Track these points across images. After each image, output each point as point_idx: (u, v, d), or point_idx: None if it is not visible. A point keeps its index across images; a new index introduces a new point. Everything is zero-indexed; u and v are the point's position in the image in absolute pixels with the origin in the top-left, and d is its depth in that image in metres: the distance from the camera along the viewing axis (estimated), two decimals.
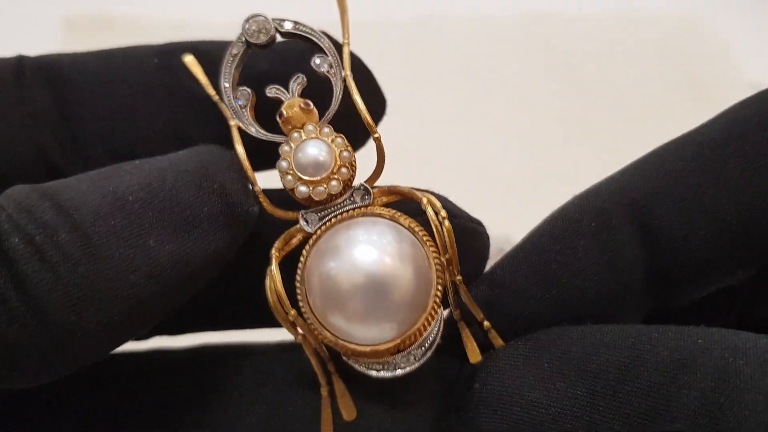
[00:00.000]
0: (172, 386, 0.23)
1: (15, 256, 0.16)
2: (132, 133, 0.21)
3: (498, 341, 0.20)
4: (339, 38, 0.22)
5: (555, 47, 0.71)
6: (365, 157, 0.22)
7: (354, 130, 0.21)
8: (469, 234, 0.21)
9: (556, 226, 0.20)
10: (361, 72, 0.21)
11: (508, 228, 0.57)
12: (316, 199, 0.20)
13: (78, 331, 0.16)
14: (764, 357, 0.16)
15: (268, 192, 0.21)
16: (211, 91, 0.21)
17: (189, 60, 0.21)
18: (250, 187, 0.20)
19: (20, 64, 0.21)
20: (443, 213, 0.20)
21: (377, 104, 0.21)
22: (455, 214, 0.21)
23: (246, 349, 0.24)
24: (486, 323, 0.20)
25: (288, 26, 0.21)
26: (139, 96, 0.21)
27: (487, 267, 0.23)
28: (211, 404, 0.22)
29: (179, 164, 0.18)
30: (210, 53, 0.21)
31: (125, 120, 0.21)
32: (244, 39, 0.21)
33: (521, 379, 0.19)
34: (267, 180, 0.22)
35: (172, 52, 0.21)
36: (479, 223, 0.22)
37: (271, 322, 0.22)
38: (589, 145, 0.63)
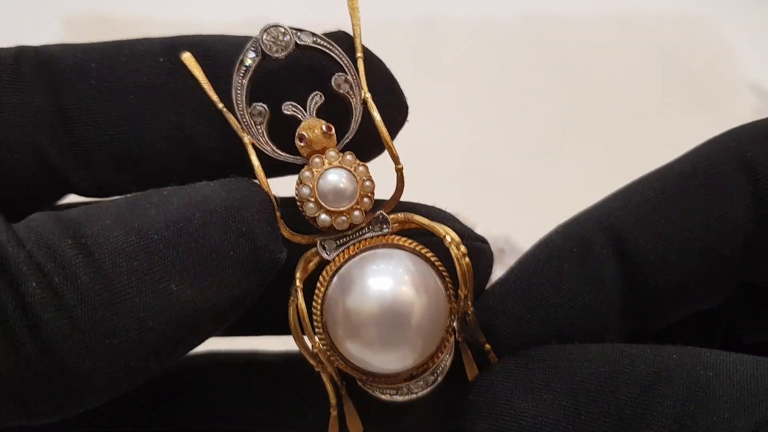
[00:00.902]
0: (180, 396, 0.23)
1: (32, 301, 0.15)
2: (135, 139, 0.20)
3: (494, 359, 0.22)
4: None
5: (556, 48, 0.71)
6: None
7: (369, 145, 0.21)
8: (475, 253, 0.22)
9: (542, 252, 0.22)
10: (380, 75, 0.21)
11: (508, 228, 0.57)
12: (338, 228, 0.20)
13: (91, 377, 0.16)
14: (732, 370, 0.18)
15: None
16: (212, 95, 0.20)
17: (187, 58, 0.20)
18: (278, 229, 0.19)
19: (18, 58, 0.20)
20: (463, 249, 0.20)
21: (398, 111, 0.21)
22: (463, 234, 0.21)
23: (256, 359, 0.24)
24: (487, 346, 0.22)
25: (306, 39, 0.20)
26: (144, 101, 0.20)
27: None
28: (221, 416, 0.22)
29: (207, 201, 0.18)
30: (218, 52, 0.20)
31: (127, 126, 0.20)
32: (259, 49, 0.20)
33: (512, 391, 0.20)
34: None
35: (177, 48, 0.20)
36: (484, 241, 0.22)
37: (279, 331, 0.22)
38: (589, 145, 0.63)
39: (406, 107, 0.22)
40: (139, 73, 0.20)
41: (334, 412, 0.21)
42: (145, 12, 0.71)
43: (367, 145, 0.21)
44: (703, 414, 0.17)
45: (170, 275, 0.17)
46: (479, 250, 0.22)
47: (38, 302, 0.15)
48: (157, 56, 0.20)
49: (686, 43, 0.72)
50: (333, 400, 0.21)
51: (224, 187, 0.18)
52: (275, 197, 0.20)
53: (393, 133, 0.21)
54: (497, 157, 0.62)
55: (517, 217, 0.56)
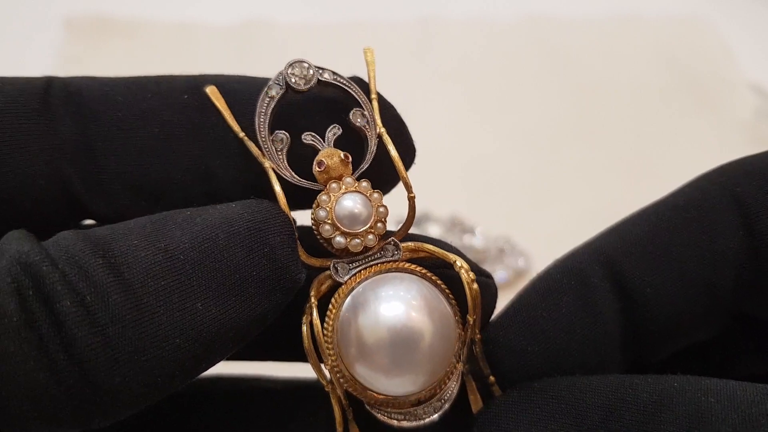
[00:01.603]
0: (185, 421, 0.23)
1: (66, 319, 0.16)
2: (157, 172, 0.21)
3: (498, 392, 0.22)
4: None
5: (556, 49, 0.71)
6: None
7: (382, 177, 0.22)
8: (481, 287, 0.22)
9: (541, 285, 0.22)
10: (392, 120, 0.22)
11: (508, 228, 0.57)
12: (352, 250, 0.21)
13: (120, 392, 0.16)
14: (732, 395, 0.18)
15: None
16: (234, 125, 0.21)
17: (211, 91, 0.21)
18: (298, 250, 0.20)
19: (47, 89, 0.21)
20: (472, 275, 0.21)
21: (406, 153, 0.22)
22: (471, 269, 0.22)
23: (260, 385, 0.24)
24: (491, 377, 0.22)
25: (326, 76, 0.21)
26: (167, 135, 0.21)
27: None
28: None
29: (231, 223, 0.18)
30: (239, 91, 0.21)
31: (150, 160, 0.21)
32: (283, 82, 0.21)
33: (516, 423, 0.20)
34: None
35: (200, 86, 0.21)
36: (489, 276, 0.23)
37: (287, 356, 0.22)
38: (589, 146, 0.63)
39: (414, 150, 0.23)
40: (164, 108, 0.21)
41: None
42: (144, 13, 0.71)
43: (380, 178, 0.21)
44: None
45: (196, 294, 0.17)
46: (485, 284, 0.22)
47: (72, 320, 0.16)
48: (181, 93, 0.21)
49: (687, 44, 0.72)
50: (339, 427, 0.22)
51: (246, 209, 0.19)
52: (294, 219, 0.20)
53: None
54: (497, 157, 0.62)
55: (517, 217, 0.57)
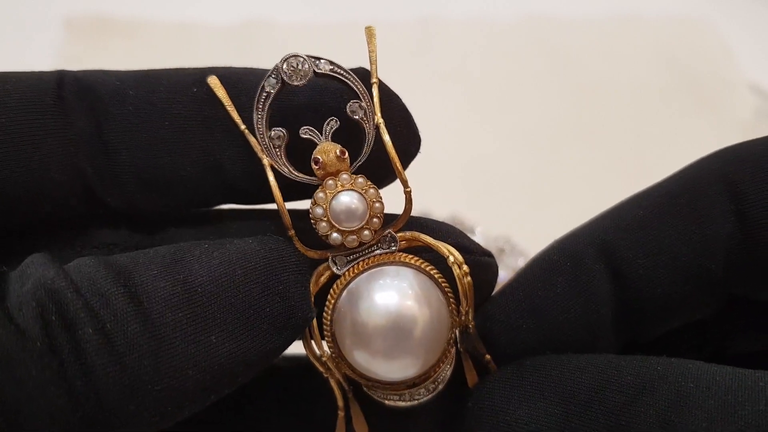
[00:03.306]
0: None
1: (87, 346, 0.16)
2: (168, 164, 0.21)
3: (494, 368, 0.23)
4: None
5: (556, 49, 0.71)
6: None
7: (382, 169, 0.22)
8: (481, 268, 0.23)
9: (538, 266, 0.23)
10: (396, 110, 0.22)
11: (508, 228, 0.57)
12: (348, 246, 0.21)
13: (132, 420, 0.17)
14: (711, 381, 0.19)
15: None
16: (235, 116, 0.21)
17: (213, 81, 0.21)
18: (306, 286, 0.21)
19: (60, 84, 0.21)
20: (465, 268, 0.22)
21: (411, 143, 0.22)
22: (470, 249, 0.23)
23: (271, 365, 0.25)
24: (487, 356, 0.23)
25: (324, 67, 0.21)
26: (176, 128, 0.21)
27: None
28: (237, 419, 0.23)
29: (248, 259, 0.19)
30: (247, 82, 0.21)
31: (160, 152, 0.21)
32: (279, 77, 0.21)
33: (508, 399, 0.21)
34: None
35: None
36: (490, 255, 0.24)
37: None
38: (589, 145, 0.63)
39: (419, 139, 0.23)
40: (174, 102, 0.21)
41: (341, 413, 0.23)
42: (145, 13, 0.71)
43: (380, 170, 0.22)
44: (683, 423, 0.18)
45: (211, 328, 0.18)
46: (485, 264, 0.23)
47: (93, 348, 0.16)
48: (190, 87, 0.21)
49: (687, 44, 0.72)
50: (340, 403, 0.23)
51: (263, 246, 0.19)
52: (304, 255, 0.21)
53: (405, 163, 0.22)
54: (497, 157, 0.62)
55: (517, 217, 0.57)
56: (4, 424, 0.15)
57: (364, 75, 0.22)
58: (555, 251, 0.23)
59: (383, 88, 0.22)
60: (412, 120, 0.22)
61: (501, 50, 0.71)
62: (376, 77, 0.21)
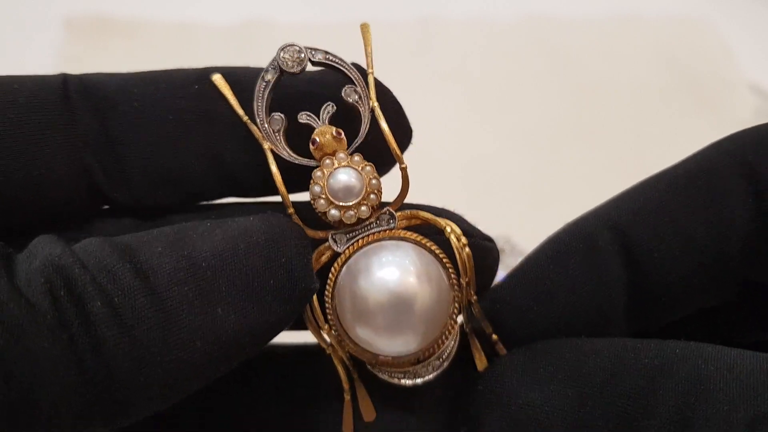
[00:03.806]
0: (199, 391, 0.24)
1: (95, 319, 0.16)
2: (173, 158, 0.22)
3: (502, 350, 0.23)
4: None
5: (556, 49, 0.71)
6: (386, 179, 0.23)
7: (380, 155, 0.22)
8: (482, 251, 0.23)
9: (550, 248, 0.23)
10: (389, 103, 0.22)
11: (508, 228, 0.57)
12: (346, 222, 0.22)
13: (142, 392, 0.17)
14: (732, 364, 0.18)
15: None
16: (239, 110, 0.22)
17: (217, 79, 0.22)
18: (311, 260, 0.21)
19: (65, 84, 0.21)
20: (464, 240, 0.22)
21: (403, 134, 0.23)
22: (470, 233, 0.23)
23: (270, 352, 0.25)
24: (494, 336, 0.23)
25: (319, 56, 0.22)
26: (180, 123, 0.22)
27: None
28: (236, 406, 0.23)
29: (250, 234, 0.19)
30: (247, 80, 0.22)
31: (165, 147, 0.22)
32: (277, 66, 0.22)
33: (519, 382, 0.21)
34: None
35: (209, 77, 0.22)
36: (491, 240, 0.23)
37: (295, 327, 0.23)
38: (590, 146, 0.63)
39: (411, 131, 0.23)
40: (176, 98, 0.22)
41: (347, 397, 0.23)
42: (145, 13, 0.71)
43: (378, 159, 0.22)
44: (703, 406, 0.18)
45: (216, 300, 0.18)
46: (486, 248, 0.23)
47: (102, 321, 0.16)
48: (192, 84, 0.22)
49: (687, 44, 0.72)
50: (346, 385, 0.23)
51: (264, 222, 0.20)
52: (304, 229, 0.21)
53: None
54: (497, 157, 0.62)
55: (517, 217, 0.57)
56: (17, 398, 0.15)
57: (360, 68, 0.22)
58: (567, 233, 0.23)
59: (376, 82, 0.22)
60: (404, 113, 0.23)
61: (501, 50, 0.71)
62: (372, 68, 0.22)
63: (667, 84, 0.68)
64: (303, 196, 0.23)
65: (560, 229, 0.23)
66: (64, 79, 0.22)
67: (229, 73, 0.22)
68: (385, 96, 0.22)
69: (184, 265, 0.18)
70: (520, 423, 0.20)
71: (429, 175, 0.38)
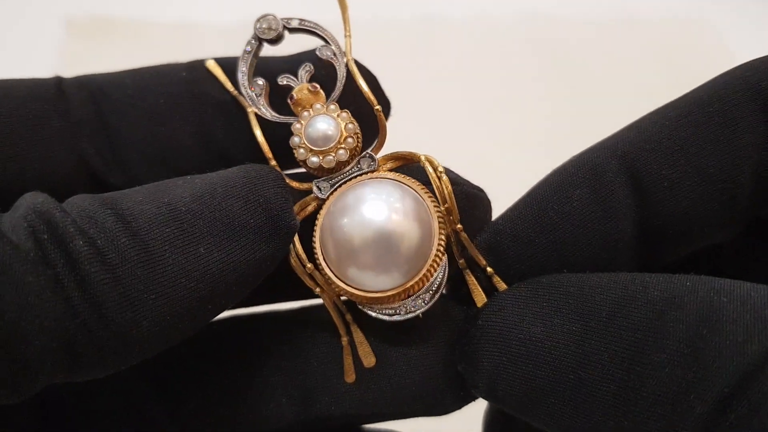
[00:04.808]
0: (202, 356, 0.24)
1: (79, 257, 0.17)
2: (165, 139, 0.23)
3: (501, 285, 0.22)
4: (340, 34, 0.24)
5: (555, 49, 0.71)
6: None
7: (369, 120, 0.23)
8: (471, 199, 0.22)
9: (554, 178, 0.22)
10: (366, 76, 0.23)
11: None
12: (326, 167, 0.22)
13: (133, 328, 0.17)
14: (746, 296, 0.17)
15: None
16: (230, 86, 0.23)
17: (210, 63, 0.24)
18: (290, 199, 0.21)
19: (59, 81, 0.23)
20: (440, 168, 0.22)
21: (382, 107, 0.23)
22: (457, 181, 0.22)
23: (265, 313, 0.25)
24: (489, 269, 0.22)
25: (294, 23, 0.24)
26: (171, 105, 0.23)
27: None
28: (240, 367, 0.23)
29: (228, 179, 0.20)
30: (231, 65, 0.24)
31: (159, 127, 0.23)
32: (256, 36, 0.24)
33: (521, 316, 0.20)
34: None
35: (198, 66, 0.24)
36: (480, 190, 0.23)
37: (296, 295, 0.24)
38: (589, 145, 0.63)
39: (389, 104, 0.24)
40: (167, 83, 0.23)
41: (344, 342, 0.23)
42: (145, 13, 0.71)
43: (357, 110, 0.23)
44: (715, 337, 0.17)
45: (198, 240, 0.18)
46: (476, 197, 0.23)
47: (85, 259, 0.17)
48: (180, 71, 0.24)
49: (687, 45, 0.72)
50: (341, 329, 0.23)
51: (242, 169, 0.20)
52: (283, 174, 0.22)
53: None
54: (497, 157, 0.62)
55: None
56: (5, 332, 0.16)
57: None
58: (572, 164, 0.22)
59: (354, 61, 0.23)
60: (380, 86, 0.23)
61: (501, 50, 0.71)
62: (349, 32, 0.24)
63: (666, 84, 0.68)
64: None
65: (566, 161, 0.22)
66: (59, 79, 0.23)
67: (219, 62, 0.24)
68: (360, 70, 0.23)
69: (164, 211, 0.18)
70: (520, 358, 0.19)
71: None
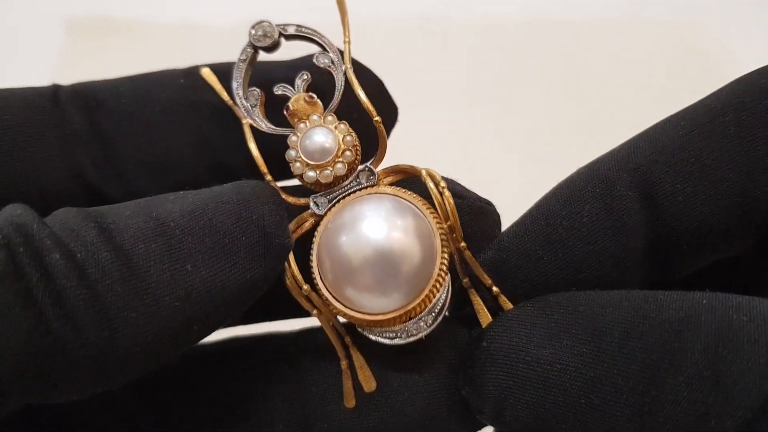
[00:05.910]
0: (200, 379, 0.23)
1: (54, 271, 0.16)
2: (161, 147, 0.22)
3: (507, 305, 0.21)
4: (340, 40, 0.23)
5: (556, 49, 0.71)
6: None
7: (372, 129, 0.22)
8: (479, 213, 0.22)
9: (563, 192, 0.21)
10: (371, 81, 0.22)
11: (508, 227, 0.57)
12: (323, 182, 0.21)
13: (111, 348, 0.16)
14: (766, 314, 0.16)
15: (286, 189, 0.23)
16: (225, 96, 0.22)
17: (206, 71, 0.23)
18: (286, 219, 0.20)
19: (56, 90, 0.22)
20: (442, 183, 0.21)
21: (388, 112, 0.22)
22: (462, 195, 0.22)
23: (266, 336, 0.25)
24: (495, 288, 0.21)
25: (291, 29, 0.23)
26: (168, 113, 0.22)
27: None
28: (238, 391, 0.23)
29: (221, 195, 0.19)
30: (228, 72, 0.23)
31: (155, 135, 0.22)
32: (251, 44, 0.23)
33: (528, 337, 0.19)
34: None
35: (195, 73, 0.23)
36: (488, 203, 0.22)
37: (295, 313, 0.23)
38: (589, 146, 0.63)
39: (396, 109, 0.23)
40: (164, 90, 0.22)
41: (344, 366, 0.22)
42: (145, 14, 0.71)
43: (364, 128, 0.22)
44: (736, 358, 0.16)
45: (185, 257, 0.17)
46: (483, 211, 0.22)
47: (61, 272, 0.16)
48: (178, 78, 0.23)
49: (687, 44, 0.72)
50: (340, 352, 0.22)
51: (237, 186, 0.20)
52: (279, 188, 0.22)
53: (386, 134, 0.22)
54: (497, 157, 0.62)
55: (517, 217, 0.56)
56: None
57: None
58: (581, 177, 0.21)
59: (356, 63, 0.22)
60: (386, 90, 0.23)
61: (501, 50, 0.71)
62: (348, 37, 0.23)
63: (667, 84, 0.68)
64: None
65: (575, 172, 0.21)
66: (56, 87, 0.22)
67: (215, 69, 0.23)
68: (364, 75, 0.22)
69: (152, 225, 0.17)
70: (527, 382, 0.18)
71: None
